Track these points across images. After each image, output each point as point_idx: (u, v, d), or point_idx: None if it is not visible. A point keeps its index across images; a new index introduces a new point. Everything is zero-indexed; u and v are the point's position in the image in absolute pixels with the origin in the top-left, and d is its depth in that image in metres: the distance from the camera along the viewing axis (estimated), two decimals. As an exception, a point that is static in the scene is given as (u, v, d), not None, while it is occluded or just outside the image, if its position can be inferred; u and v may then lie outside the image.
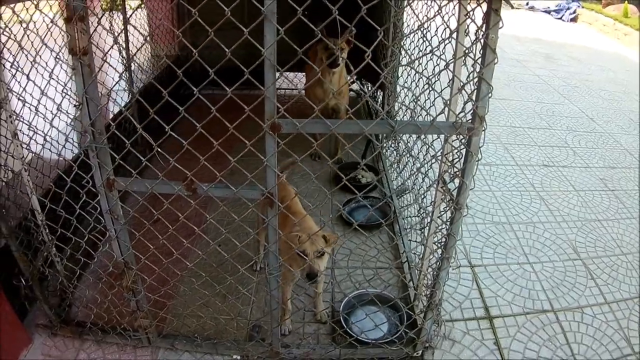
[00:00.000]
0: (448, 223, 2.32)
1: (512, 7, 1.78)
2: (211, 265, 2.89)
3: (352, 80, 6.86)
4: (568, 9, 17.72)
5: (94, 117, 2.15)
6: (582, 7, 17.82)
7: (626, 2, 15.91)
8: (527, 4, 19.50)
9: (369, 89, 6.57)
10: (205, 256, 2.56)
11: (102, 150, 2.23)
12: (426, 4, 3.14)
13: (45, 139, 2.81)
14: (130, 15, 4.76)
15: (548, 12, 18.27)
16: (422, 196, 2.99)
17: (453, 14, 2.38)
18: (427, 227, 2.70)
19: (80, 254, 2.88)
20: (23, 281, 2.91)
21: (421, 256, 2.88)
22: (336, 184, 4.61)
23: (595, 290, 3.80)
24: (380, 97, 5.84)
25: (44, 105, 2.79)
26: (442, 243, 2.41)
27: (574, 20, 17.37)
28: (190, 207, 2.30)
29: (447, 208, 2.33)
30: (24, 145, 2.71)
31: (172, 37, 6.57)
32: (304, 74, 6.73)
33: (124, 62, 4.71)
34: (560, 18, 17.56)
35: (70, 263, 3.00)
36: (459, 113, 2.11)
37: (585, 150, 6.36)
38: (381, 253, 3.97)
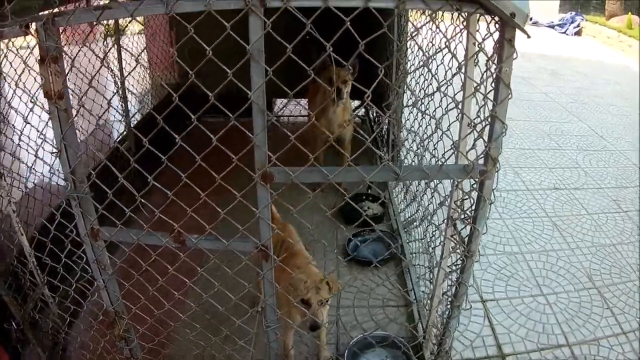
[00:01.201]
0: (458, 271, 2.15)
1: (529, 37, 1.62)
2: (205, 317, 2.71)
3: (356, 112, 6.74)
4: (572, 22, 17.61)
5: (73, 164, 2.00)
6: (586, 20, 17.72)
7: (629, 13, 15.79)
8: (531, 19, 19.38)
9: (374, 113, 6.40)
10: (199, 308, 2.39)
11: (85, 199, 2.08)
12: (430, 29, 2.98)
13: (26, 187, 2.68)
14: (112, 48, 4.66)
15: (552, 26, 18.15)
16: (431, 245, 2.82)
17: (460, 42, 2.21)
18: (435, 278, 2.52)
19: (70, 302, 2.75)
20: (14, 325, 2.79)
21: (430, 298, 2.70)
22: (342, 216, 4.43)
23: (611, 320, 3.63)
24: (385, 124, 5.67)
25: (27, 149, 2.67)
26: (452, 292, 2.24)
27: (578, 33, 17.25)
28: (182, 256, 2.13)
29: (457, 254, 2.15)
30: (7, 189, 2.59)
31: (172, 65, 6.46)
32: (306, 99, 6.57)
33: (119, 92, 4.61)
34: (565, 32, 17.44)
35: (60, 310, 2.88)
36: (469, 151, 1.95)
37: (596, 170, 6.18)
38: (388, 289, 3.78)
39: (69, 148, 1.97)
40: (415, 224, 3.89)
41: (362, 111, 7.08)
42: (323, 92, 4.46)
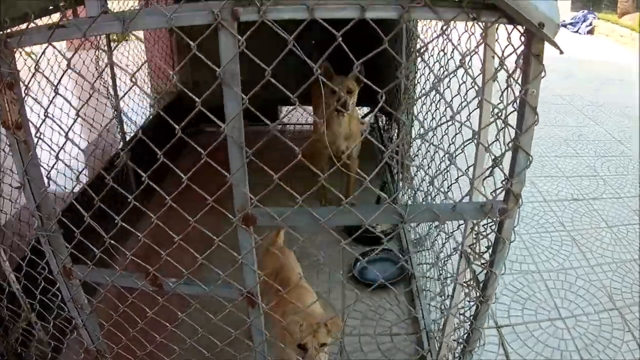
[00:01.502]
0: (472, 318, 1.90)
1: (562, 53, 1.34)
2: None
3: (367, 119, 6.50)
4: (584, 21, 17.21)
5: (38, 200, 1.78)
6: (598, 19, 17.31)
7: (641, 10, 15.42)
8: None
9: (383, 122, 6.12)
10: (183, 352, 2.16)
11: (54, 236, 1.87)
12: (442, 34, 2.70)
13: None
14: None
15: (564, 25, 17.72)
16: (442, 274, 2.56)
17: (475, 52, 1.93)
18: (444, 323, 2.27)
19: (50, 338, 2.64)
20: (-1, 356, 2.69)
21: (439, 342, 2.44)
22: (348, 233, 4.17)
23: (632, 345, 3.40)
24: (395, 133, 5.35)
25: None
26: (464, 337, 1.99)
27: (590, 32, 16.85)
28: (161, 300, 1.91)
29: (470, 297, 1.90)
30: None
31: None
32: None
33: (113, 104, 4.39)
34: (577, 31, 17.04)
35: (41, 345, 2.76)
36: (486, 178, 1.69)
37: (615, 178, 5.88)
38: (396, 314, 3.51)
39: (33, 182, 1.75)
40: (423, 244, 3.64)
41: (371, 118, 6.79)
42: (327, 104, 4.21)
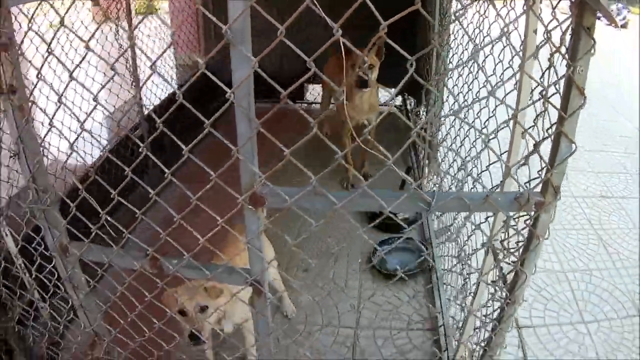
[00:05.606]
0: (496, 320, 1.73)
1: (618, 27, 1.16)
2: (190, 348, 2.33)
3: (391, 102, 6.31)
4: (617, 14, 16.84)
5: (34, 169, 1.65)
6: (631, 12, 16.98)
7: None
8: (575, 10, 18.66)
9: (412, 104, 5.92)
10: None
11: (49, 211, 1.74)
12: (477, 12, 2.51)
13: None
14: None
15: (597, 18, 17.35)
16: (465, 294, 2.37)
17: (515, 28, 1.73)
18: (464, 325, 2.10)
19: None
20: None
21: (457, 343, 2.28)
22: (368, 218, 4.01)
23: (656, 354, 3.24)
24: (423, 114, 5.13)
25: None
26: (485, 340, 1.83)
27: (624, 26, 16.49)
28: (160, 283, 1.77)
29: (496, 300, 1.74)
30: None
31: (198, 45, 6.04)
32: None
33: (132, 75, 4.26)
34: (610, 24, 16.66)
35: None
36: (521, 164, 1.52)
37: (644, 177, 5.62)
38: (414, 309, 3.30)
39: (28, 151, 1.63)
40: (447, 235, 3.47)
41: (398, 100, 6.58)
42: (348, 80, 4.05)
